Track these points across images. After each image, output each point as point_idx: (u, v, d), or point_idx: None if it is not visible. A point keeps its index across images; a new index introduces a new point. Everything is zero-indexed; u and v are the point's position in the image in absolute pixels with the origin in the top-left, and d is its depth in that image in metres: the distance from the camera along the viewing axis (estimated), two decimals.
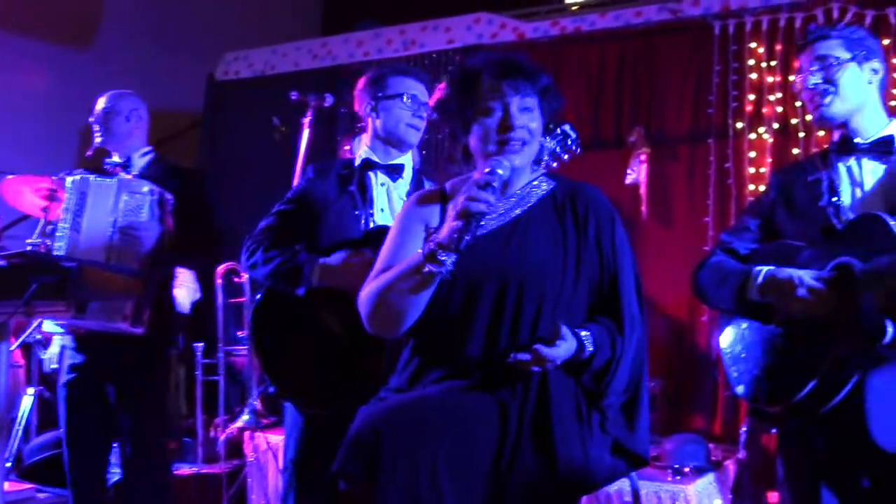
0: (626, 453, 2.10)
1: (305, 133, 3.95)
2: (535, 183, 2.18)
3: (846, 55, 2.33)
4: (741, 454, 4.06)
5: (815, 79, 2.33)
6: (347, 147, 5.00)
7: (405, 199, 2.79)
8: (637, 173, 5.43)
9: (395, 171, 2.84)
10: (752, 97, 5.18)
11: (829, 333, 2.21)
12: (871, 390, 2.15)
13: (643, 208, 5.42)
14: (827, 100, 2.33)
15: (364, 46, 6.50)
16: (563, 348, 1.95)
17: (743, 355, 2.43)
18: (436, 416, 1.91)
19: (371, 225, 2.74)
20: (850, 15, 4.92)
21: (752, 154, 5.16)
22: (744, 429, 4.05)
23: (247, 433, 4.68)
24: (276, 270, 2.67)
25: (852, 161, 2.37)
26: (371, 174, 2.83)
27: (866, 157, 2.35)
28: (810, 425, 2.30)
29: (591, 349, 2.01)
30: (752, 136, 5.18)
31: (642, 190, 5.44)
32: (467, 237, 1.92)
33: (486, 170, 2.01)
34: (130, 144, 3.56)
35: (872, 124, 2.36)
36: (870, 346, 2.12)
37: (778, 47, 5.11)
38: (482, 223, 2.03)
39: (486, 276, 2.05)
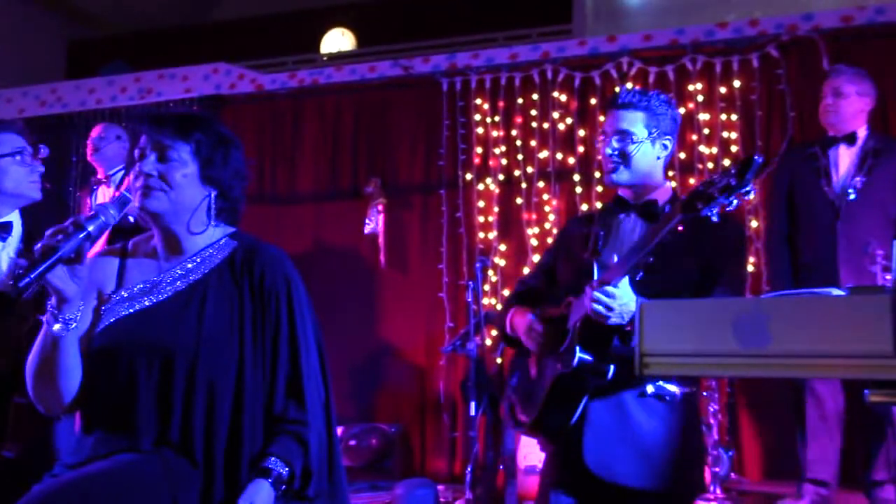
0: None
1: None
2: (215, 245, 2.11)
3: (644, 133, 2.55)
4: (468, 494, 4.22)
5: (611, 148, 2.56)
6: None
7: (14, 257, 2.74)
8: (375, 223, 5.60)
9: (3, 231, 2.77)
10: (479, 150, 5.49)
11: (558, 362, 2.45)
12: (590, 416, 2.41)
13: (381, 257, 5.58)
14: (619, 169, 2.56)
15: (97, 94, 6.26)
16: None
17: (513, 382, 2.69)
18: (102, 497, 1.82)
19: None
20: (561, 76, 5.34)
21: (481, 203, 5.45)
22: (468, 469, 4.22)
23: None
24: None
25: (623, 217, 2.62)
26: None
27: (635, 215, 2.61)
28: (558, 447, 2.53)
29: (285, 471, 1.93)
30: (481, 186, 5.48)
31: (380, 239, 5.61)
32: (32, 274, 1.78)
33: (91, 212, 1.94)
34: None
35: (647, 190, 2.59)
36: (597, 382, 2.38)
37: (500, 104, 5.46)
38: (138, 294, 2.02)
39: (156, 347, 1.96)
